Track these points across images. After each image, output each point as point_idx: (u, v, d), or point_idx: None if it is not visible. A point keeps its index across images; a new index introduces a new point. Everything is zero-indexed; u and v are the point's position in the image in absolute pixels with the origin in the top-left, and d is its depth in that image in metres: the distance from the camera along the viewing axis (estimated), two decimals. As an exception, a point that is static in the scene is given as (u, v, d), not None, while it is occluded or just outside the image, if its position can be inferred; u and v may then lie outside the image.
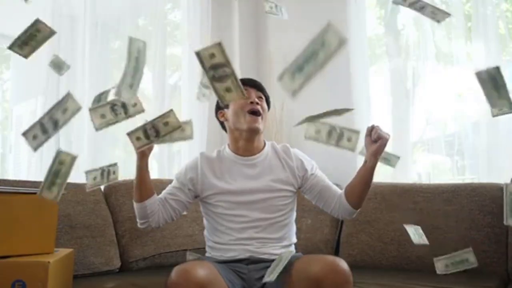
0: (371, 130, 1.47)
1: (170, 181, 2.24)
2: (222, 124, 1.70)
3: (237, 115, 1.59)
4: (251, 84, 1.65)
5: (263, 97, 1.65)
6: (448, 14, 1.13)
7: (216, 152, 1.66)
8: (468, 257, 1.68)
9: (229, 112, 1.62)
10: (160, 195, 1.59)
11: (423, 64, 2.38)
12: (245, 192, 1.55)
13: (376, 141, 1.46)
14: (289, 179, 1.60)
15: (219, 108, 1.68)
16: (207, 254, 1.61)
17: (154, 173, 2.62)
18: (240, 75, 3.15)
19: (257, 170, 1.59)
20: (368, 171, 1.50)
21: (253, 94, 1.62)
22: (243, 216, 1.54)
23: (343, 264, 1.28)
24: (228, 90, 0.87)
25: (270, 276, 1.22)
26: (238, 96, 0.88)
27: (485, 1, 2.14)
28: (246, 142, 1.60)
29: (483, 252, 1.83)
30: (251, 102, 1.58)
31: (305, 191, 1.64)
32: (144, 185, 1.49)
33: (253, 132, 1.58)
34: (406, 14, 2.57)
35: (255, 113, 1.58)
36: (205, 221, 1.64)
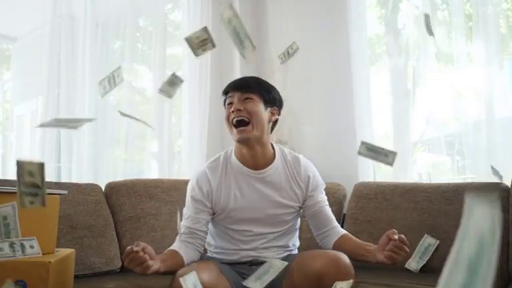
0: (392, 239, 1.30)
1: (170, 181, 2.26)
2: None
3: (228, 127, 1.51)
4: (234, 87, 1.52)
5: (253, 97, 1.49)
6: None
7: (223, 160, 1.55)
8: (429, 242, 1.82)
9: None
10: (183, 231, 1.47)
11: (423, 63, 2.37)
12: (253, 209, 1.50)
13: (387, 256, 1.31)
14: (296, 195, 1.54)
15: None
16: (208, 254, 1.61)
17: (154, 173, 2.62)
18: (240, 75, 3.14)
19: (266, 185, 1.52)
20: (363, 258, 1.41)
21: (236, 98, 1.49)
22: (250, 231, 1.51)
23: (345, 258, 1.28)
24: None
25: (255, 283, 1.07)
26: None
27: (485, 0, 2.14)
28: (248, 151, 1.50)
29: (484, 251, 1.83)
30: (233, 111, 1.47)
31: (302, 207, 1.59)
32: (172, 269, 1.34)
33: (245, 143, 1.48)
34: (407, 13, 2.57)
35: (239, 122, 1.47)
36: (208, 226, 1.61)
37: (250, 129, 1.46)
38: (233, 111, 1.47)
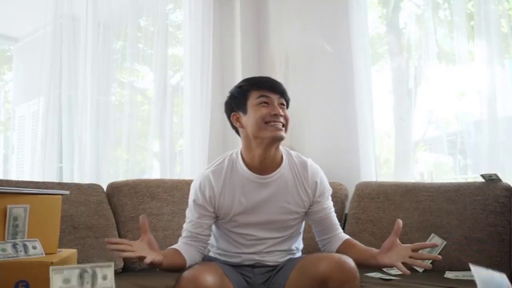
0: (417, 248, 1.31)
1: (172, 181, 2.26)
2: (235, 128, 1.54)
3: (258, 126, 1.44)
4: (273, 88, 1.47)
5: (285, 103, 1.49)
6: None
7: (227, 164, 1.51)
8: (436, 242, 1.82)
9: (247, 119, 1.47)
10: (185, 235, 1.47)
11: (425, 63, 2.37)
12: (257, 214, 1.48)
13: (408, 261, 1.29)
14: (302, 201, 1.51)
15: (232, 110, 1.52)
16: (211, 254, 1.60)
17: (156, 173, 2.63)
18: (241, 75, 3.12)
19: (272, 190, 1.48)
20: (367, 262, 1.40)
21: (276, 101, 1.46)
22: (253, 235, 1.49)
23: (350, 261, 1.27)
24: None
25: None
26: None
27: (487, -1, 2.14)
28: (264, 151, 1.45)
29: (486, 251, 1.82)
30: (275, 114, 1.43)
31: (308, 213, 1.56)
32: (175, 264, 1.36)
33: (276, 141, 1.45)
34: (408, 12, 2.57)
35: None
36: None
37: (284, 132, 1.46)
38: (274, 114, 1.44)
